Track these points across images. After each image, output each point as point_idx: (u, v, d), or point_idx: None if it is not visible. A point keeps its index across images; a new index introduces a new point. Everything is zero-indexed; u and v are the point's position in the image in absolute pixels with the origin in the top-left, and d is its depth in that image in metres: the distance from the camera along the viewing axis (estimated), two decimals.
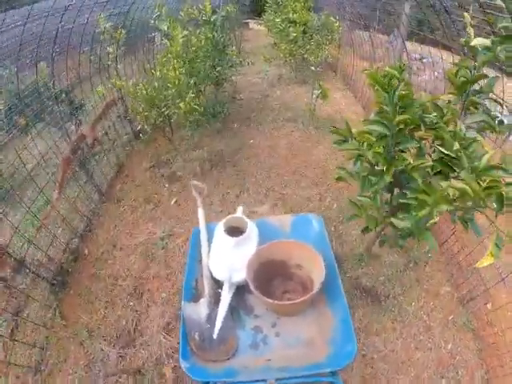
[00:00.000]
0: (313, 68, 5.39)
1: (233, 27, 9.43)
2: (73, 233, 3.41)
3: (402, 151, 1.91)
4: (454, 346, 2.42)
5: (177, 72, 3.48)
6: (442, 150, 1.69)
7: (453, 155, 1.66)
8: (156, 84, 3.62)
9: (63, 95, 4.18)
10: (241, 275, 1.80)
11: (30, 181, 3.09)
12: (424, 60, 7.13)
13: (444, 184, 1.60)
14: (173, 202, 3.85)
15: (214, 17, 4.64)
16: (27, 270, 2.71)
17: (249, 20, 14.89)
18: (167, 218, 3.61)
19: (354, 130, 2.01)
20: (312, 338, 1.70)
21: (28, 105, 3.97)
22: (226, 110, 5.05)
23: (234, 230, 1.95)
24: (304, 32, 6.74)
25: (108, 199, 4.03)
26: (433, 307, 2.67)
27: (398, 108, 1.79)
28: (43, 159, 3.37)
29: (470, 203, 1.62)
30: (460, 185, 1.52)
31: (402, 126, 1.85)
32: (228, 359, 1.66)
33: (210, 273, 1.90)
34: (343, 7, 7.56)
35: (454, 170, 1.72)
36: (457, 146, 1.61)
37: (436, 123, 1.82)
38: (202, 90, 4.60)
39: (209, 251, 1.97)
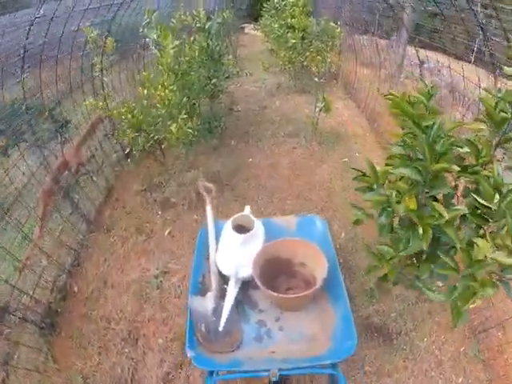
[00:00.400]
0: (316, 79, 5.61)
1: (228, 32, 10.02)
2: (60, 269, 3.40)
3: (435, 198, 1.87)
4: (464, 379, 2.64)
5: (166, 91, 3.56)
6: (480, 200, 1.65)
7: (493, 207, 1.61)
8: (144, 103, 3.76)
9: (46, 112, 4.12)
10: (247, 271, 2.16)
11: (9, 213, 3.02)
12: (425, 65, 8.00)
13: (480, 243, 1.58)
14: (166, 233, 3.87)
15: (208, 23, 4.78)
16: (13, 316, 2.73)
17: (245, 24, 15.68)
18: (161, 252, 3.63)
19: (378, 169, 1.95)
20: (314, 332, 2.04)
21: (8, 124, 3.81)
22: (223, 125, 5.23)
23: (241, 228, 2.33)
24: (303, 38, 7.16)
25: (97, 228, 4.05)
26: (444, 340, 2.86)
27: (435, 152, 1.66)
28: (27, 184, 3.33)
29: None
30: (502, 258, 1.53)
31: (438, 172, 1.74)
32: (232, 351, 1.99)
33: (217, 268, 2.27)
34: (342, 11, 8.31)
35: (488, 221, 1.71)
36: (497, 197, 1.59)
37: (472, 166, 1.77)
38: (197, 104, 4.75)
39: (216, 248, 2.36)
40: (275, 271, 2.25)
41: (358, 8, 7.57)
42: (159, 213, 4.22)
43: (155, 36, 3.83)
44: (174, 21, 4.43)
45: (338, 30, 6.68)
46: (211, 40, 4.82)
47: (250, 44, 13.24)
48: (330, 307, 2.13)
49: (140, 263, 3.55)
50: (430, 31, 4.88)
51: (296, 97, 7.68)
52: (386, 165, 1.97)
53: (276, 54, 7.94)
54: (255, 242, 2.27)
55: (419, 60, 5.08)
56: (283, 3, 7.77)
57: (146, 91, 3.76)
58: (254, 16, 15.12)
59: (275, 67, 8.26)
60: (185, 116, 3.59)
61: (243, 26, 15.44)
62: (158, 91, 3.58)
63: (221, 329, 2.07)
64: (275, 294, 2.04)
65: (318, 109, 5.33)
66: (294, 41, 7.09)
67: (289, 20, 7.24)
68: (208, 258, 2.34)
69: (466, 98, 4.91)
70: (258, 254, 2.19)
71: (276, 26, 7.55)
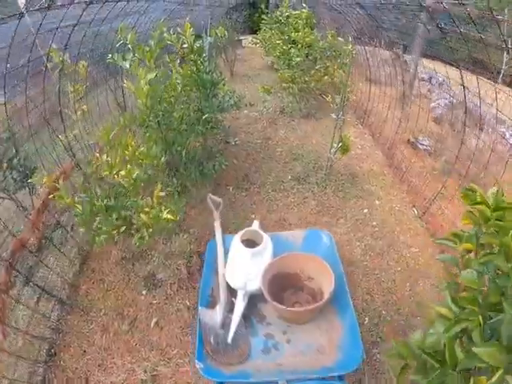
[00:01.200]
0: (334, 115, 4.56)
1: (224, 47, 9.77)
2: (32, 365, 2.83)
3: None
4: None
5: (133, 169, 2.59)
6: None
7: None
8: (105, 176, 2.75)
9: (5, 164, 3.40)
10: (255, 284, 2.22)
11: None
12: (433, 80, 7.86)
13: None
14: (153, 324, 3.17)
15: (198, 43, 3.77)
16: None
17: (243, 37, 14.71)
18: (148, 350, 2.97)
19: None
20: (321, 344, 2.09)
21: None
22: (218, 165, 4.13)
23: (250, 243, 2.40)
24: (307, 55, 6.54)
25: (72, 309, 3.38)
26: None
27: None
28: None
29: None
30: None
31: None
32: (241, 363, 2.05)
33: (226, 282, 2.33)
34: (345, 22, 7.98)
35: None
36: None
37: None
38: (183, 155, 3.74)
39: (225, 262, 2.42)
40: (283, 285, 2.31)
41: (361, 17, 7.10)
42: (143, 293, 3.45)
43: (127, 64, 2.99)
44: (153, 42, 3.17)
45: (349, 46, 5.47)
46: (202, 64, 3.88)
47: (249, 58, 12.62)
48: (336, 319, 2.18)
49: (124, 362, 2.95)
50: (446, 48, 4.59)
51: (302, 123, 6.91)
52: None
53: (280, 74, 7.01)
54: (264, 256, 2.32)
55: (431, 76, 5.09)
56: (285, 14, 7.39)
57: (105, 157, 2.68)
58: (252, 28, 14.72)
59: (277, 86, 7.35)
60: (161, 193, 2.63)
61: (241, 38, 14.59)
62: (122, 168, 2.61)
63: (229, 341, 2.12)
64: (283, 308, 2.09)
65: (333, 149, 4.61)
66: (298, 59, 6.37)
67: (292, 34, 6.63)
68: (216, 271, 2.40)
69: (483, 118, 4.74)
70: (267, 268, 2.25)
71: (279, 42, 6.88)
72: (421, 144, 5.70)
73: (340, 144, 4.46)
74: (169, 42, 3.55)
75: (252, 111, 7.16)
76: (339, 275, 2.25)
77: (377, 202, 4.61)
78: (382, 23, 6.28)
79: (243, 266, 2.29)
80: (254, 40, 10.14)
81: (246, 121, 7.06)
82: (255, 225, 2.55)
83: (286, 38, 6.83)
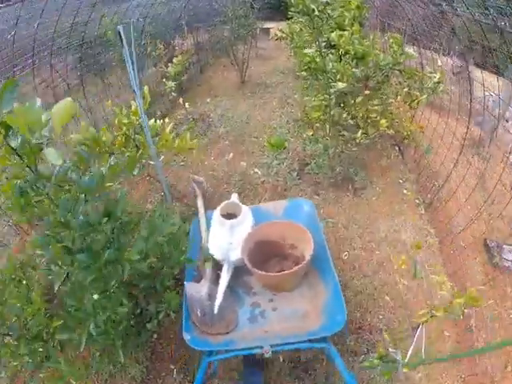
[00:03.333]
0: (405, 191, 3.32)
1: (243, 37, 7.55)
2: None
3: None
4: None
5: None
6: None
7: None
8: None
9: None
10: (237, 254, 2.24)
11: None
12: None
13: None
14: None
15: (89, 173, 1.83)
16: None
17: (269, 25, 10.92)
18: None
19: None
20: (306, 310, 2.10)
21: None
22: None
23: (231, 216, 2.42)
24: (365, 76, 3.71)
25: None
26: None
27: None
28: None
29: None
30: None
31: None
32: (228, 333, 2.08)
33: (210, 255, 2.36)
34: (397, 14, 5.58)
35: None
36: None
37: None
38: None
39: (208, 236, 2.44)
40: (266, 254, 2.32)
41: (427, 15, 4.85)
42: None
43: None
44: None
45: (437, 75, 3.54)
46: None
47: (273, 56, 9.72)
48: (320, 284, 2.18)
49: None
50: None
51: (331, 201, 3.99)
52: None
53: (307, 114, 4.37)
54: (244, 226, 2.34)
55: None
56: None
57: None
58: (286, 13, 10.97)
59: (300, 123, 5.00)
60: None
61: (268, 27, 10.93)
62: None
63: (215, 312, 2.15)
64: (264, 273, 2.11)
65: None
66: (341, 85, 3.50)
67: (332, 35, 3.76)
68: (201, 247, 2.43)
69: None
70: (247, 237, 2.27)
71: (311, 51, 3.63)
72: (505, 259, 3.16)
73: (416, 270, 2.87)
74: None
75: (253, 166, 4.63)
76: (320, 240, 2.24)
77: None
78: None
79: (224, 237, 2.32)
80: (279, 33, 6.44)
81: (239, 184, 4.32)
82: (234, 197, 2.56)
83: (322, 41, 3.52)
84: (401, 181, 4.27)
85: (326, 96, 3.63)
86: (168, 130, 3.09)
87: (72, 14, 4.83)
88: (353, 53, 3.69)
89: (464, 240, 3.34)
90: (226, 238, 2.31)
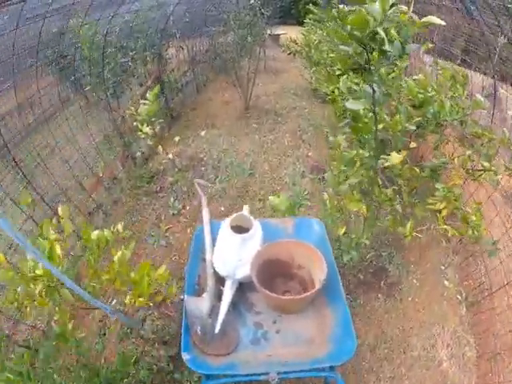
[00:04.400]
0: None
1: (248, 49, 6.01)
2: None
3: None
4: None
5: None
6: None
7: None
8: None
9: None
10: (244, 271, 2.10)
11: None
12: None
13: None
14: None
15: None
16: None
17: (279, 31, 9.48)
18: None
19: None
20: (312, 335, 2.00)
21: None
22: None
23: (238, 229, 2.28)
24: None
25: None
26: None
27: None
28: None
29: None
30: None
31: None
32: (228, 354, 1.93)
33: (214, 269, 2.20)
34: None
35: None
36: None
37: None
38: None
39: (213, 248, 2.29)
40: (273, 273, 2.21)
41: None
42: None
43: None
44: None
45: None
46: None
47: (285, 68, 8.27)
48: (328, 310, 2.10)
49: None
50: None
51: (366, 313, 3.19)
52: None
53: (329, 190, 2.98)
54: (253, 243, 2.22)
55: None
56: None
57: None
58: (298, 18, 9.42)
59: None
60: None
61: (278, 33, 9.45)
62: None
63: (217, 331, 2.00)
64: (275, 296, 2.00)
65: None
66: (397, 157, 2.18)
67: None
68: (204, 259, 2.27)
69: None
70: (257, 254, 2.15)
71: (357, 105, 1.92)
72: None
73: None
74: None
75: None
76: (330, 264, 2.16)
77: None
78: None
79: (233, 253, 2.18)
80: (292, 46, 5.78)
81: None
82: (245, 209, 2.43)
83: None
84: (442, 267, 3.50)
85: (368, 172, 2.43)
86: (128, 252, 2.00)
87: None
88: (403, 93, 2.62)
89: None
90: (235, 252, 2.17)
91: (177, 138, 4.67)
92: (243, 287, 2.21)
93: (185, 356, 1.83)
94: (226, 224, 2.28)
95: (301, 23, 6.96)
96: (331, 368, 1.92)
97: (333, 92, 3.01)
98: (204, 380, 1.90)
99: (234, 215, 2.35)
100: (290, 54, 5.42)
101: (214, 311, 2.06)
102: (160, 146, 4.31)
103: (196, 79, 7.87)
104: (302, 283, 2.23)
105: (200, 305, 2.07)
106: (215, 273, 2.19)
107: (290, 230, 2.46)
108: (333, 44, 2.88)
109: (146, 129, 4.00)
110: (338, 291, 2.09)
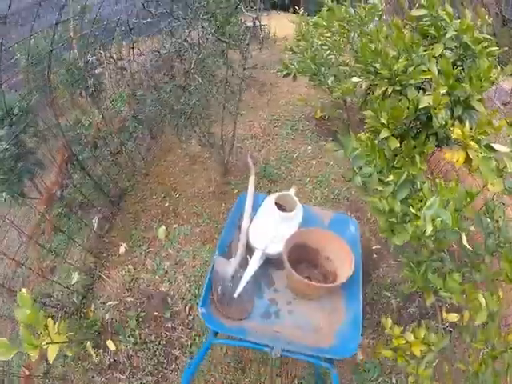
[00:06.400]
0: None
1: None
2: None
3: None
4: None
5: None
6: None
7: None
8: None
9: None
10: (275, 248, 2.17)
11: None
12: None
13: None
14: None
15: None
16: None
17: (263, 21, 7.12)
18: None
19: None
20: (320, 325, 2.08)
21: None
22: None
23: (280, 207, 2.33)
24: None
25: None
26: None
27: None
28: None
29: None
30: None
31: None
32: (240, 320, 2.03)
33: (247, 238, 2.26)
34: None
35: None
36: None
37: None
38: None
39: (251, 219, 2.34)
40: (300, 257, 2.27)
41: None
42: None
43: None
44: None
45: None
46: None
47: (268, 80, 5.99)
48: (342, 307, 2.16)
49: None
50: None
51: None
52: None
53: None
54: (293, 223, 2.27)
55: None
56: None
57: None
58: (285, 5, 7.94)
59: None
60: None
61: (262, 24, 7.34)
62: None
63: (236, 296, 2.08)
64: (300, 278, 2.05)
65: None
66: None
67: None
68: (239, 226, 2.33)
69: None
70: (292, 235, 2.20)
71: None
72: None
73: None
74: None
75: None
76: (357, 264, 2.21)
77: None
78: None
79: (270, 228, 2.23)
80: (290, 67, 3.90)
81: None
82: (292, 190, 2.46)
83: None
84: None
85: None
86: None
87: None
88: None
89: None
90: (272, 228, 2.22)
91: (122, 248, 3.36)
92: (268, 263, 2.28)
93: (201, 310, 1.92)
94: (270, 199, 2.31)
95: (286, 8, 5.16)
96: (329, 360, 2.00)
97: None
98: (211, 336, 2.01)
99: (281, 193, 2.39)
100: (285, 75, 3.70)
101: (237, 277, 2.15)
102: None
103: (148, 122, 4.67)
104: (325, 274, 2.29)
105: (226, 267, 2.16)
106: (248, 242, 2.25)
107: (326, 222, 2.51)
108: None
109: (76, 276, 2.94)
110: (357, 294, 2.14)
